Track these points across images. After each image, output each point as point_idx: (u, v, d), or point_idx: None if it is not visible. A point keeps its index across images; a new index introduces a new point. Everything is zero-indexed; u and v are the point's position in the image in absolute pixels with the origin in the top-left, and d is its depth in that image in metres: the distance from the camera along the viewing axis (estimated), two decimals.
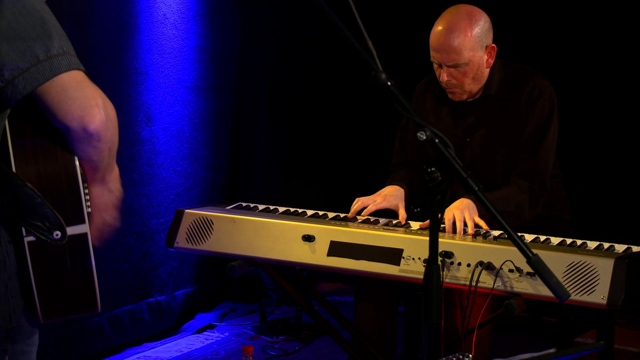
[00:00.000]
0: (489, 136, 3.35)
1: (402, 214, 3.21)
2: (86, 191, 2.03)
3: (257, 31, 5.09)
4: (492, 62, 3.31)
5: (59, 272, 1.95)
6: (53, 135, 1.94)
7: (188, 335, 4.60)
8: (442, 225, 3.00)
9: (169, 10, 4.44)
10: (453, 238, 2.84)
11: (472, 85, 3.30)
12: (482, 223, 3.01)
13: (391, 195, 3.29)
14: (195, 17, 4.63)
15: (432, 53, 3.28)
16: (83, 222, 1.97)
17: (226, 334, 4.65)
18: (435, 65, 3.30)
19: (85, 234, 1.98)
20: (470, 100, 3.37)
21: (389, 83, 1.91)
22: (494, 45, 3.29)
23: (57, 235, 1.92)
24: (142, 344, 4.39)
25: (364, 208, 3.21)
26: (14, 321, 1.95)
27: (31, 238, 1.92)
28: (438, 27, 3.24)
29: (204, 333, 4.65)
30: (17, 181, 1.89)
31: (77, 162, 1.98)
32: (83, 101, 1.88)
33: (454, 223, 3.00)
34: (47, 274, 1.95)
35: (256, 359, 4.23)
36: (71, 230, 1.95)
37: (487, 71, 3.32)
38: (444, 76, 3.26)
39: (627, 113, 4.84)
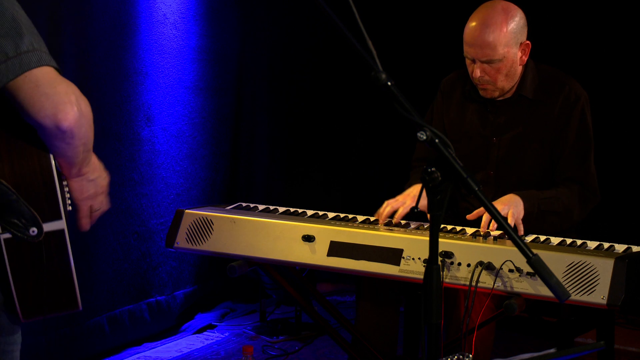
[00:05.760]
0: (519, 137, 3.30)
1: None
2: (66, 186, 2.02)
3: (257, 31, 5.09)
4: (525, 59, 3.26)
5: (37, 269, 1.94)
6: (27, 132, 1.92)
7: (188, 335, 4.60)
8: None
9: (169, 10, 4.44)
10: (453, 238, 2.84)
11: (505, 83, 3.25)
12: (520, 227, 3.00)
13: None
14: (195, 17, 4.63)
15: (465, 48, 3.23)
16: (60, 218, 1.96)
17: (226, 334, 4.65)
18: (468, 61, 3.25)
19: (62, 230, 1.96)
20: (500, 99, 3.33)
21: (389, 83, 1.91)
22: (528, 42, 3.24)
23: (33, 232, 1.91)
24: (142, 344, 4.38)
25: (395, 212, 3.12)
26: None
27: (7, 235, 1.90)
28: (473, 23, 3.20)
29: (204, 333, 4.65)
30: None
31: (52, 159, 1.96)
32: (56, 97, 1.85)
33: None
34: (24, 272, 1.93)
35: (256, 359, 4.23)
36: (48, 227, 1.94)
37: (520, 69, 3.27)
38: (477, 72, 3.21)
39: (626, 113, 4.84)
